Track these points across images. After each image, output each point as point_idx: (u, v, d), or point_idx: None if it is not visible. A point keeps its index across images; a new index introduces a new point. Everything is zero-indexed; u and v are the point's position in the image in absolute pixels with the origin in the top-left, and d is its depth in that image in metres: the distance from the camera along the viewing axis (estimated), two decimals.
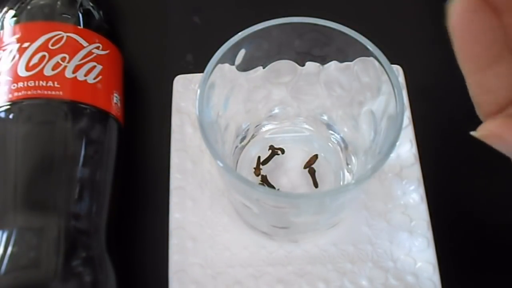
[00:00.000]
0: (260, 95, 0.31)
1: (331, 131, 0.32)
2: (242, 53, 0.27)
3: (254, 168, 0.32)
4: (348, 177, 0.31)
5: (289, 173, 0.32)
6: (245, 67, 0.28)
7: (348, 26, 0.26)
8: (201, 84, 0.25)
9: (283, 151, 0.32)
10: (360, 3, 0.40)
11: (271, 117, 0.32)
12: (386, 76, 0.25)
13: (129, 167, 0.34)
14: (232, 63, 0.27)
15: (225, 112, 0.29)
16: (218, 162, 0.24)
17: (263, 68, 0.29)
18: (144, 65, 0.38)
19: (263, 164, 0.32)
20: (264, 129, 0.33)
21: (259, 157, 0.32)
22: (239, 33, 0.26)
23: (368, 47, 0.25)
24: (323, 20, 0.26)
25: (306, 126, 0.33)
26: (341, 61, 0.28)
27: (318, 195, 0.28)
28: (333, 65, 0.28)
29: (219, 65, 0.26)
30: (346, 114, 0.30)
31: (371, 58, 0.26)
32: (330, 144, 0.32)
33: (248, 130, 0.32)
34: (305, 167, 0.32)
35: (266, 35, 0.26)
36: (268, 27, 0.26)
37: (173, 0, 0.41)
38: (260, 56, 0.28)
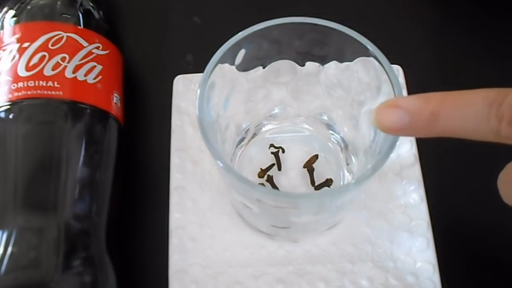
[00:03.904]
0: (260, 95, 0.31)
1: (331, 131, 0.32)
2: (242, 53, 0.27)
3: (260, 169, 0.32)
4: (348, 177, 0.31)
5: (289, 173, 0.32)
6: (245, 67, 0.28)
7: (348, 26, 0.26)
8: (201, 84, 0.25)
9: (283, 150, 0.32)
10: (360, 3, 0.40)
11: (271, 117, 0.32)
12: (386, 76, 0.25)
13: (129, 167, 0.34)
14: (232, 63, 0.27)
15: (225, 112, 0.29)
16: (218, 162, 0.24)
17: (263, 68, 0.29)
18: (144, 65, 0.38)
19: (268, 170, 0.32)
20: (264, 129, 0.33)
21: (272, 164, 0.32)
22: (239, 33, 0.26)
23: (368, 47, 0.25)
24: (323, 20, 0.26)
25: (306, 126, 0.33)
26: (341, 61, 0.28)
27: (318, 195, 0.28)
28: (333, 65, 0.28)
29: (219, 65, 0.26)
30: (346, 114, 0.30)
31: (371, 58, 0.26)
32: (330, 144, 0.32)
33: (248, 130, 0.32)
34: (304, 166, 0.32)
35: (266, 35, 0.26)
36: (268, 27, 0.26)
37: (173, 0, 0.41)
38: (260, 56, 0.28)
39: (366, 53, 0.26)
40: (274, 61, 0.28)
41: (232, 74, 0.28)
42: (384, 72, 0.25)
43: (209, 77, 0.25)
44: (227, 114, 0.29)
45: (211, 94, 0.26)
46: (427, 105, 0.22)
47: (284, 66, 0.29)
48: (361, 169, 0.29)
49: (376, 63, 0.25)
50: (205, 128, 0.24)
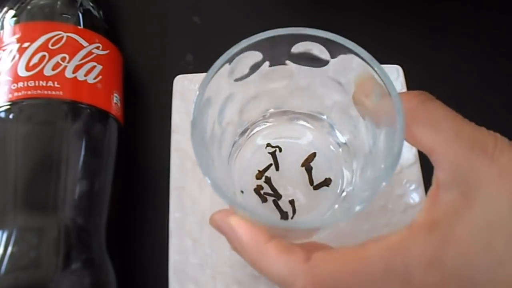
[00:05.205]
0: (257, 97, 0.30)
1: (330, 129, 0.32)
2: (236, 66, 0.26)
3: (258, 171, 0.32)
4: (347, 175, 0.31)
5: (287, 172, 0.32)
6: (241, 76, 0.28)
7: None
8: (195, 105, 0.25)
9: (280, 149, 0.32)
10: (360, 3, 0.40)
11: (269, 116, 0.32)
12: (381, 81, 0.24)
13: (129, 167, 0.34)
14: (228, 75, 0.27)
15: (222, 117, 0.28)
16: (223, 199, 0.24)
17: (260, 73, 0.28)
18: (144, 65, 0.38)
19: (266, 171, 0.32)
20: (261, 128, 0.32)
21: (269, 164, 0.32)
22: (231, 49, 0.25)
23: (358, 52, 0.25)
24: (312, 30, 0.25)
25: (304, 124, 0.33)
26: (338, 67, 0.28)
27: (319, 222, 0.27)
28: (332, 66, 0.28)
29: (214, 78, 0.25)
30: (345, 115, 0.30)
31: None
32: (329, 142, 0.32)
33: (245, 130, 0.32)
34: (302, 165, 0.32)
35: (260, 47, 0.26)
36: (260, 40, 0.25)
37: (173, 0, 0.41)
38: (255, 64, 0.27)
39: (365, 67, 0.25)
40: (271, 67, 0.28)
41: (227, 84, 0.27)
42: (386, 90, 0.24)
43: (203, 95, 0.25)
44: (224, 119, 0.29)
45: (207, 109, 0.26)
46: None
47: (281, 70, 0.28)
48: (360, 171, 0.29)
49: (377, 76, 0.25)
50: (198, 149, 0.24)
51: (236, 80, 0.27)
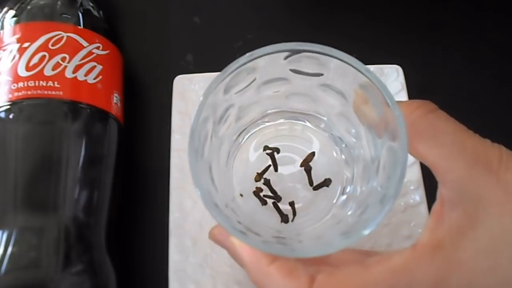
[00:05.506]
0: (254, 105, 0.30)
1: (330, 129, 0.32)
2: (234, 80, 0.26)
3: (257, 173, 0.31)
4: (348, 176, 0.31)
5: (286, 172, 0.32)
6: (238, 90, 0.27)
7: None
8: (193, 123, 0.24)
9: (278, 151, 0.32)
10: (360, 4, 0.40)
11: (267, 116, 0.32)
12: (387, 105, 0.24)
13: (129, 167, 0.34)
14: (225, 91, 0.27)
15: (220, 129, 0.28)
16: (217, 219, 0.23)
17: (258, 83, 0.28)
18: (144, 65, 0.38)
19: (264, 173, 0.32)
20: (259, 127, 0.32)
21: (268, 166, 0.32)
22: (229, 66, 0.25)
23: (366, 74, 0.24)
24: (316, 46, 0.25)
25: (305, 124, 0.32)
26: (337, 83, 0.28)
27: (321, 251, 0.26)
28: (329, 75, 0.28)
29: (211, 96, 0.25)
30: (345, 119, 0.30)
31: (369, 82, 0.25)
32: (329, 142, 0.32)
33: (243, 131, 0.32)
34: (301, 165, 0.32)
35: (257, 61, 0.25)
36: (259, 56, 0.25)
37: (173, 0, 0.41)
38: (253, 77, 0.27)
39: (362, 78, 0.25)
40: (268, 77, 0.28)
41: (225, 99, 0.27)
42: (385, 102, 0.24)
43: (200, 114, 0.24)
44: (222, 129, 0.29)
45: (204, 126, 0.26)
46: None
47: (278, 80, 0.28)
48: (362, 178, 0.29)
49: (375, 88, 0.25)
50: (196, 171, 0.24)
51: (234, 93, 0.27)
